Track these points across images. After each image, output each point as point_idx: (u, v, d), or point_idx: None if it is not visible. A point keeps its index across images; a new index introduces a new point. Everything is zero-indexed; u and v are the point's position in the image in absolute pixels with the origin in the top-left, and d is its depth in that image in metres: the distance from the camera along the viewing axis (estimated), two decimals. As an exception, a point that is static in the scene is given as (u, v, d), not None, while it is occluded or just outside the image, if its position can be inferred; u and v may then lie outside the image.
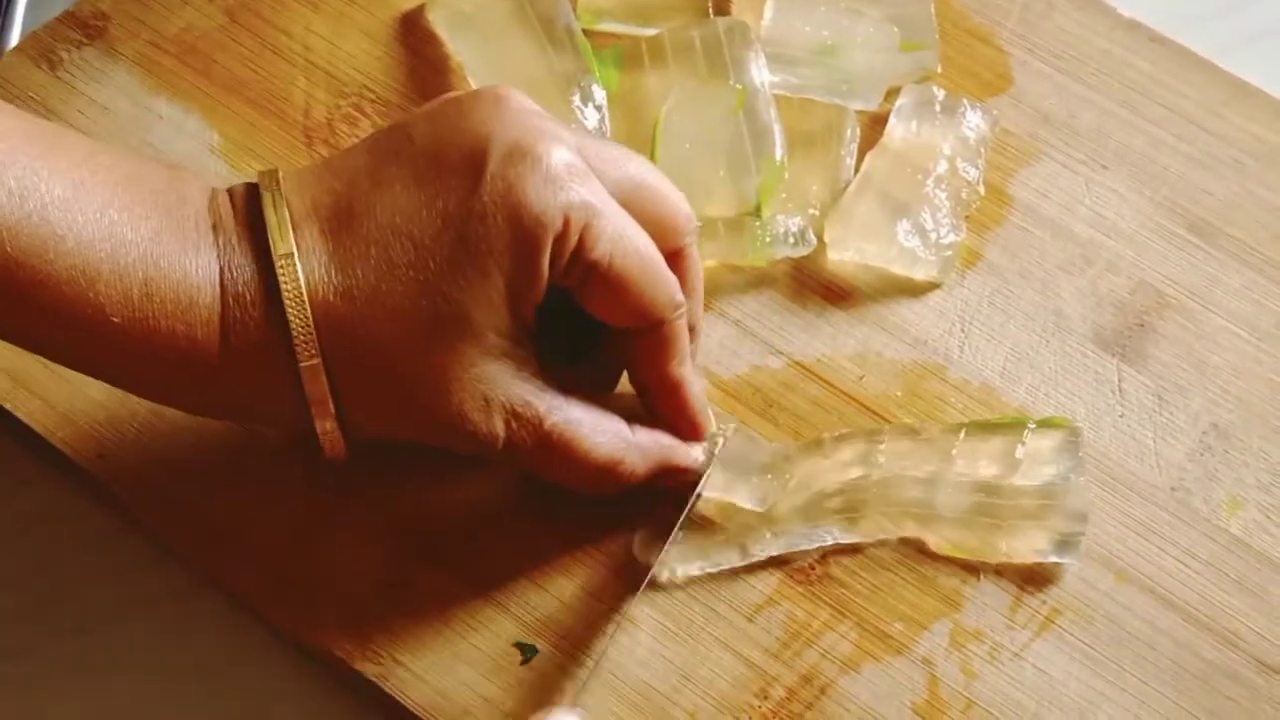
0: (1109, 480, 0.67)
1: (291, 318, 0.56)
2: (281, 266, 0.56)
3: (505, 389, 0.58)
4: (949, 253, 0.70)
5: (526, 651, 0.63)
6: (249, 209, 0.58)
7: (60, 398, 0.67)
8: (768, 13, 0.74)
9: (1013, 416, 0.67)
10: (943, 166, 0.71)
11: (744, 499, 0.65)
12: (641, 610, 0.64)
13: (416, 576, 0.64)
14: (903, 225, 0.70)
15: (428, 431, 0.59)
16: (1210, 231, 0.72)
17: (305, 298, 0.56)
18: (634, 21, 0.76)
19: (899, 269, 0.70)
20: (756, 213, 0.70)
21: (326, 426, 0.58)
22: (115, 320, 0.55)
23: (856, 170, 0.72)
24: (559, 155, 0.57)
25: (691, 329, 0.63)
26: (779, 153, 0.70)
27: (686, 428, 0.64)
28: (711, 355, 0.69)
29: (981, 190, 0.72)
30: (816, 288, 0.71)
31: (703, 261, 0.70)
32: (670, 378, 0.62)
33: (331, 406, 0.57)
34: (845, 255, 0.70)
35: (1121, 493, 0.67)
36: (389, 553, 0.65)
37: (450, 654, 0.63)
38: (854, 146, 0.72)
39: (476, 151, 0.57)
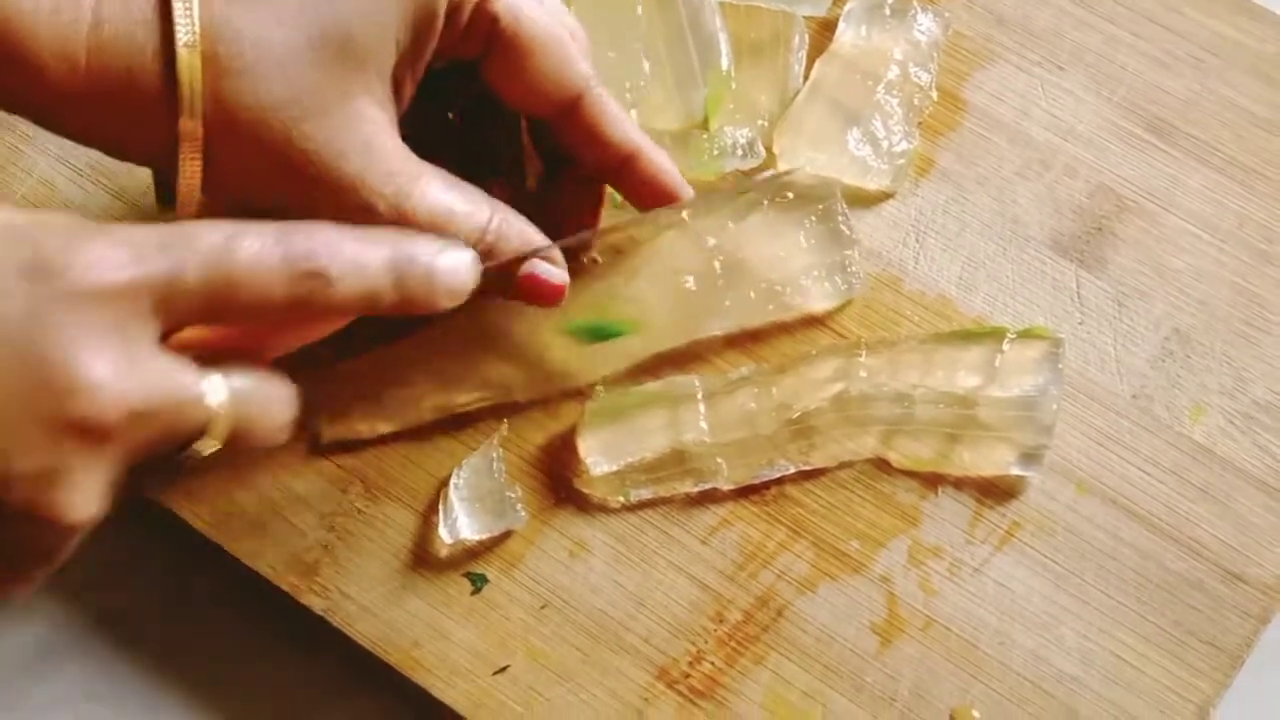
0: (1069, 389, 0.65)
1: (177, 10, 0.53)
2: None
3: (383, 136, 0.56)
4: (902, 161, 0.69)
5: (476, 581, 0.62)
6: None
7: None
8: (712, -83, 0.72)
9: (993, 327, 0.65)
10: (894, 72, 0.69)
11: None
12: (594, 535, 0.63)
13: (362, 508, 0.63)
14: (854, 134, 0.68)
15: (292, 169, 0.55)
16: (1169, 131, 0.70)
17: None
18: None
19: (851, 179, 0.69)
20: (704, 125, 0.69)
21: (189, 162, 0.54)
22: None
23: (805, 79, 0.70)
24: None
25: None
26: (725, 63, 0.68)
27: (665, 197, 0.61)
28: (661, 273, 0.68)
29: (934, 95, 0.70)
30: (767, 200, 0.69)
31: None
32: (621, 143, 0.60)
33: (200, 126, 0.54)
34: (796, 166, 0.68)
35: (1082, 402, 0.65)
36: (333, 484, 0.63)
37: (398, 586, 0.62)
38: (802, 54, 0.70)
39: None
